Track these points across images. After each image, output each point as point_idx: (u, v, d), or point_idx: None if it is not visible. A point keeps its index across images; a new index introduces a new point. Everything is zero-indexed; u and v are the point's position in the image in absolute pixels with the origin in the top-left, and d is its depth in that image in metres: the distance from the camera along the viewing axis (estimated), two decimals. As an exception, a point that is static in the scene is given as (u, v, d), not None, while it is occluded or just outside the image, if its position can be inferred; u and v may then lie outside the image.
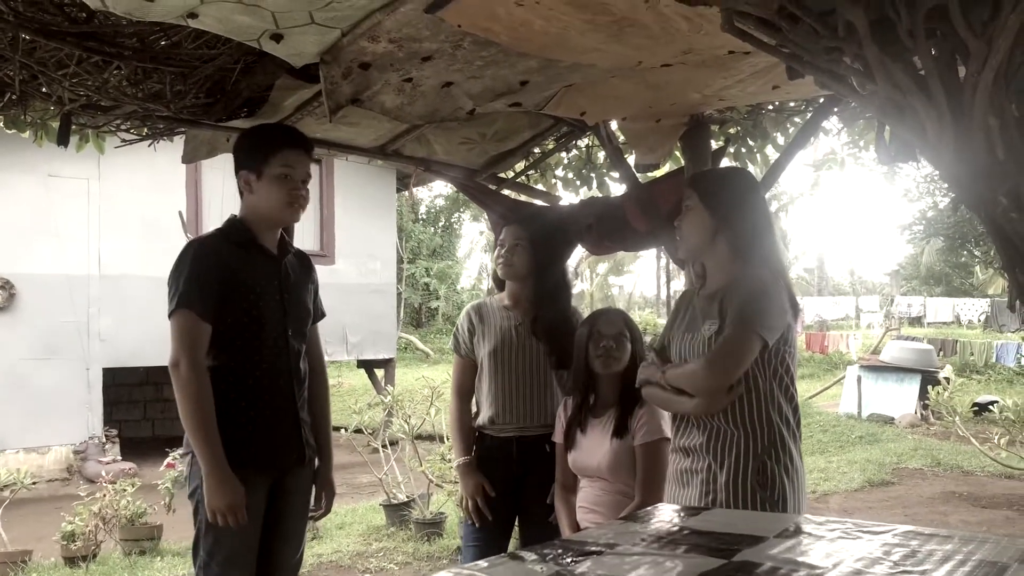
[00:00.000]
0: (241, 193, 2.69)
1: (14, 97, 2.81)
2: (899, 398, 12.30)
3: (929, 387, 9.75)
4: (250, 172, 2.62)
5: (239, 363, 2.59)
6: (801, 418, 2.40)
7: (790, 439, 2.29)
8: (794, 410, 2.34)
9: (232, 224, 2.68)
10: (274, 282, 2.66)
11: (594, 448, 2.80)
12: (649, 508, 1.99)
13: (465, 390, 3.21)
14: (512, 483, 3.10)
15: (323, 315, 2.91)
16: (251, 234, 2.65)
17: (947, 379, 9.03)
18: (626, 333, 2.86)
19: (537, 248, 3.09)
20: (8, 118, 3.11)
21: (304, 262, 2.84)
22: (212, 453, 2.48)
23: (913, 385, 12.17)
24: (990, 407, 10.73)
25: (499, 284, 3.23)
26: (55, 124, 3.12)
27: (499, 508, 3.11)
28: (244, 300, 2.58)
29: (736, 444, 2.26)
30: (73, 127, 3.05)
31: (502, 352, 3.10)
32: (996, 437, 8.24)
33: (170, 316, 2.53)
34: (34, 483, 6.88)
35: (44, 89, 2.79)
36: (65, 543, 6.16)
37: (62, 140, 2.96)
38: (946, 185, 1.99)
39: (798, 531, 1.64)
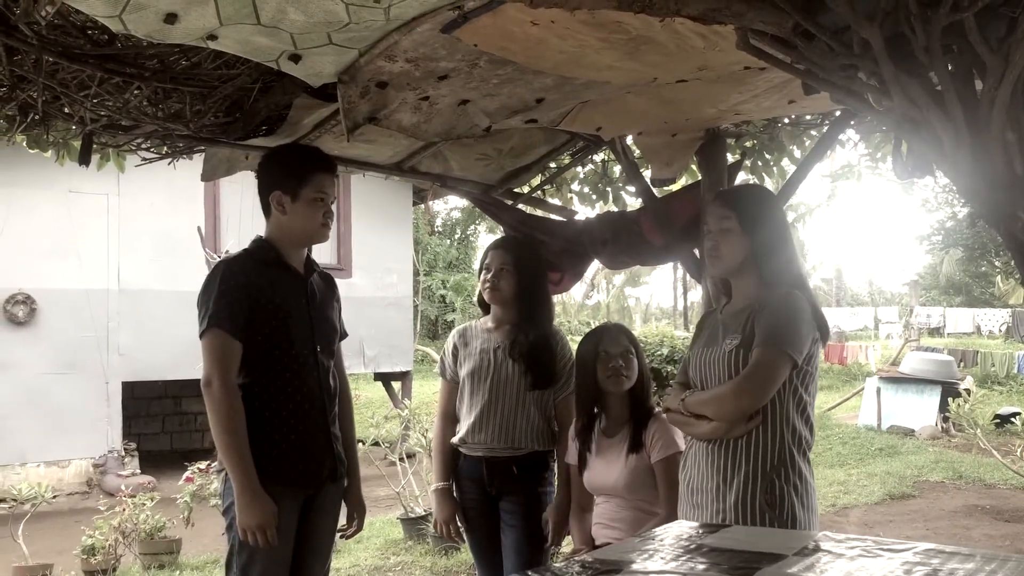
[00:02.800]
0: (267, 212, 2.71)
1: (37, 117, 2.86)
2: (919, 410, 12.17)
3: (950, 399, 9.67)
4: (285, 194, 2.65)
5: (270, 381, 2.62)
6: (816, 432, 2.38)
7: (800, 457, 2.27)
8: (809, 428, 2.31)
9: (259, 244, 2.72)
10: (301, 300, 2.69)
11: (609, 467, 2.79)
12: (667, 525, 1.98)
13: (450, 414, 3.27)
14: (487, 501, 3.16)
15: (346, 335, 2.94)
16: (278, 253, 2.69)
17: (968, 390, 8.95)
18: (631, 349, 2.86)
19: (522, 272, 3.13)
20: (31, 138, 3.15)
21: (328, 281, 2.87)
22: (244, 472, 2.50)
23: (933, 397, 12.04)
24: (1012, 419, 10.63)
25: (484, 307, 3.27)
26: (77, 143, 3.16)
27: (484, 520, 3.18)
28: (273, 318, 2.61)
29: (744, 463, 2.24)
30: (94, 146, 3.09)
31: (478, 373, 3.15)
32: (1019, 449, 8.15)
33: (201, 336, 2.56)
34: (54, 497, 6.93)
35: (66, 110, 2.83)
36: (85, 557, 6.20)
37: (84, 159, 3.00)
38: (964, 199, 1.99)
39: (817, 549, 1.63)
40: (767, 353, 2.21)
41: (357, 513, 2.89)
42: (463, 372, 3.19)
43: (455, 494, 3.25)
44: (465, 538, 3.25)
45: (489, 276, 3.15)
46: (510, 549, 3.09)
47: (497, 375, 3.12)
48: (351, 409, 2.96)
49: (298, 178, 2.65)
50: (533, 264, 3.20)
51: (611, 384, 2.84)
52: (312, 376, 2.68)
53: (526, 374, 3.09)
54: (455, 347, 3.26)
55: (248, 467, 2.51)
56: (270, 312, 2.61)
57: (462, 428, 3.18)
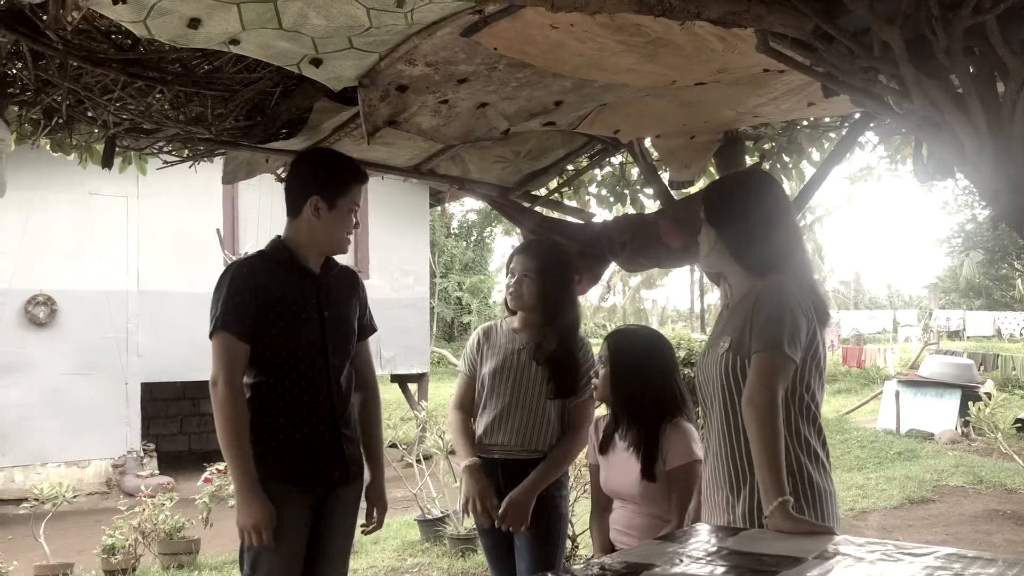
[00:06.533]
0: (295, 213, 2.71)
1: (61, 121, 2.89)
2: (938, 414, 12.09)
3: (970, 402, 9.58)
4: (323, 200, 2.66)
5: (278, 381, 2.65)
6: (826, 436, 2.32)
7: (809, 463, 2.21)
8: (817, 431, 2.26)
9: (275, 245, 2.75)
10: (312, 301, 2.70)
11: (624, 473, 2.75)
12: (687, 528, 1.99)
13: (465, 406, 3.25)
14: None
15: (374, 330, 2.96)
16: (293, 255, 2.71)
17: (988, 394, 8.87)
18: (604, 363, 2.78)
19: (546, 279, 3.10)
20: (55, 141, 3.20)
21: (350, 279, 2.88)
22: (244, 472, 2.54)
23: (953, 400, 11.95)
24: (1033, 423, 10.54)
25: (511, 309, 3.26)
26: (99, 147, 3.20)
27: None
28: (281, 320, 2.64)
29: (751, 474, 2.18)
30: (116, 149, 3.13)
31: (501, 373, 3.13)
32: (1040, 454, 8.08)
33: (210, 337, 2.61)
34: (75, 497, 7.00)
35: (90, 113, 2.87)
36: (105, 556, 6.26)
37: (106, 163, 3.03)
38: (985, 202, 1.97)
39: (837, 553, 1.63)
40: (765, 358, 2.14)
41: (378, 509, 2.90)
42: (485, 370, 3.17)
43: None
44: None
45: (512, 282, 3.13)
46: (524, 551, 3.08)
47: (519, 376, 3.11)
48: (378, 405, 2.98)
49: (338, 187, 2.68)
50: (557, 269, 3.15)
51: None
52: (321, 377, 2.69)
53: (548, 382, 3.08)
54: (478, 343, 3.24)
55: (248, 467, 2.54)
56: (278, 314, 2.63)
57: (479, 427, 3.17)
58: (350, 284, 2.87)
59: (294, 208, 2.72)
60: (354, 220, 2.74)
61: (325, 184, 2.68)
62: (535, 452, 3.09)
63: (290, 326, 2.65)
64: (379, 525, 2.93)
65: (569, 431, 3.13)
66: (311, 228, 2.70)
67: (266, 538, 2.53)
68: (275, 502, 2.58)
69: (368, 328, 2.93)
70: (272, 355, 2.63)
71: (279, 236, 2.77)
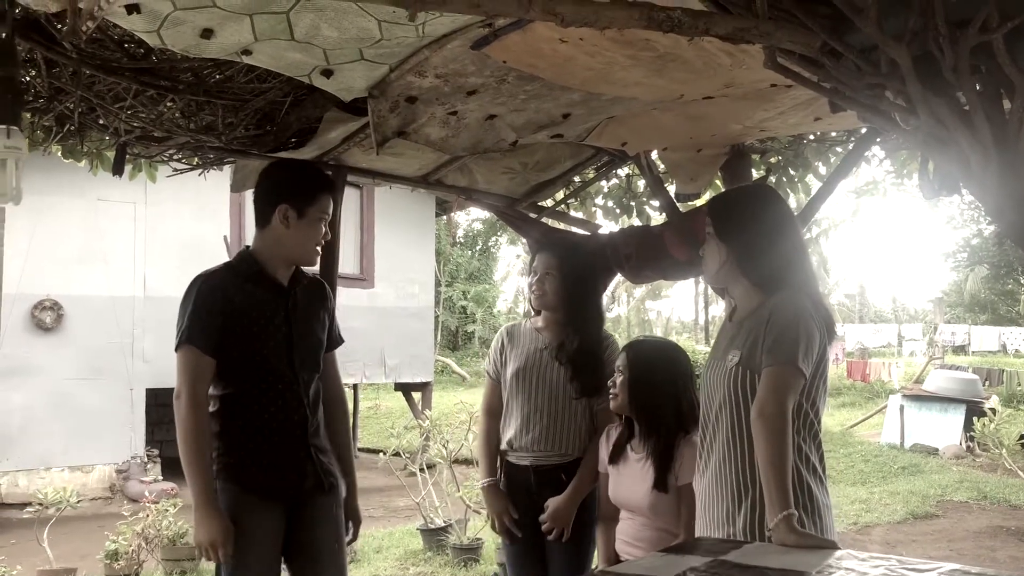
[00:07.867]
0: (263, 222, 2.69)
1: (72, 128, 2.92)
2: (943, 429, 12.05)
3: (974, 418, 9.54)
4: (292, 208, 2.64)
5: (245, 392, 2.64)
6: (831, 450, 2.31)
7: (809, 476, 2.20)
8: (817, 446, 2.25)
9: (242, 257, 2.73)
10: (280, 314, 2.68)
11: (635, 484, 2.75)
12: (690, 541, 1.99)
13: (494, 410, 3.22)
14: (535, 510, 3.09)
15: (341, 341, 2.93)
16: (262, 267, 2.69)
17: (993, 410, 8.87)
18: (621, 368, 2.77)
19: (568, 276, 3.09)
20: (66, 148, 3.22)
21: (318, 290, 2.85)
22: (202, 488, 2.52)
23: (958, 415, 11.91)
24: (1039, 439, 10.50)
25: (536, 309, 3.25)
26: (110, 154, 3.23)
27: (528, 531, 3.11)
28: (247, 333, 2.62)
29: (752, 487, 2.19)
30: (127, 157, 3.15)
31: (524, 372, 3.11)
32: (1044, 470, 8.05)
33: (176, 351, 2.61)
34: (78, 501, 7.01)
35: (101, 121, 2.89)
36: (109, 562, 6.26)
37: (117, 170, 3.06)
38: (990, 218, 1.98)
39: (840, 568, 1.63)
40: (777, 372, 2.15)
41: (352, 522, 2.88)
42: (508, 371, 3.15)
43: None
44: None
45: (535, 280, 3.12)
46: (556, 556, 3.05)
47: (543, 376, 3.08)
48: (346, 417, 2.97)
49: (307, 196, 2.66)
50: (580, 266, 3.13)
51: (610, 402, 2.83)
52: (291, 389, 2.68)
53: (572, 380, 3.05)
54: (502, 344, 3.22)
55: (208, 484, 2.53)
56: (244, 327, 2.62)
57: (509, 431, 3.13)
58: (319, 295, 2.84)
59: (263, 218, 2.70)
60: (323, 230, 2.71)
61: (294, 192, 2.66)
62: (565, 455, 3.05)
63: (257, 340, 2.63)
64: (354, 538, 2.92)
65: (598, 435, 3.06)
66: (280, 237, 2.67)
67: (223, 555, 2.52)
68: (247, 514, 2.58)
69: (336, 340, 2.90)
70: (240, 368, 2.63)
71: (247, 247, 2.75)
